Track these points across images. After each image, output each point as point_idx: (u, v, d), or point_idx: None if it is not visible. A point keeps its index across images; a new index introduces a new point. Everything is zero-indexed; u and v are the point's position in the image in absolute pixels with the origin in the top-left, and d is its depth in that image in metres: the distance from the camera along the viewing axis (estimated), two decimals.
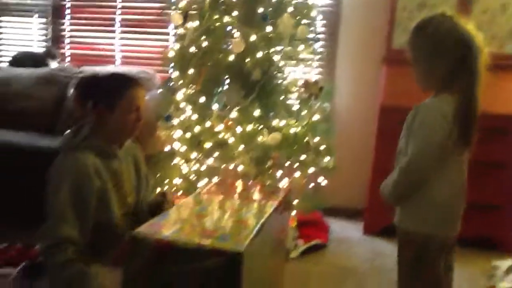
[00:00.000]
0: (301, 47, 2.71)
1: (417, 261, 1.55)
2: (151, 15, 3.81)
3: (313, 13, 2.80)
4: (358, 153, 3.32)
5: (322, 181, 2.72)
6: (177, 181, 2.68)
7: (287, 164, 2.59)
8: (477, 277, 2.55)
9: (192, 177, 2.66)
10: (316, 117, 2.64)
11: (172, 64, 2.81)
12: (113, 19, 3.90)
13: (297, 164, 2.60)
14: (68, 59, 4.02)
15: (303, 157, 2.59)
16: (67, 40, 4.02)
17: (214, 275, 1.39)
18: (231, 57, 2.57)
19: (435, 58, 1.51)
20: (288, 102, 2.73)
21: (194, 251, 1.40)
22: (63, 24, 4.00)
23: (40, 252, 1.77)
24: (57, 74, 3.57)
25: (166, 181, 2.66)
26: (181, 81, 2.73)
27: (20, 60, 3.79)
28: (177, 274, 1.43)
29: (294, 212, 2.71)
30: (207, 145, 2.57)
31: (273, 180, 2.48)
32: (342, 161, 2.76)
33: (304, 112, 2.65)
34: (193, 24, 2.68)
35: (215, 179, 2.29)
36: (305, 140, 2.56)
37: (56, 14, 3.99)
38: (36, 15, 4.06)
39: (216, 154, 2.57)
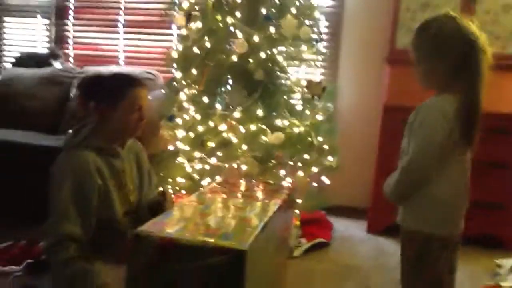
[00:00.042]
0: (304, 47, 2.72)
1: (418, 259, 1.55)
2: (154, 16, 3.82)
3: (316, 14, 2.80)
4: (361, 152, 3.32)
5: (326, 180, 2.72)
6: (181, 180, 2.69)
7: (290, 163, 2.59)
8: (480, 275, 2.55)
9: (196, 176, 2.67)
10: (319, 117, 2.64)
11: (175, 65, 2.82)
12: (117, 20, 3.92)
13: (300, 164, 2.60)
14: (71, 59, 4.03)
15: (306, 156, 2.60)
16: (70, 41, 4.03)
17: (217, 273, 1.39)
18: (234, 58, 2.58)
19: (437, 58, 1.51)
20: (291, 102, 2.74)
21: (198, 249, 1.40)
22: (66, 24, 4.02)
23: (43, 249, 1.78)
24: (60, 74, 3.59)
25: (170, 180, 2.67)
26: (184, 81, 2.74)
27: (24, 60, 3.81)
28: (180, 272, 1.43)
29: (297, 211, 2.72)
30: (211, 144, 2.58)
31: (277, 179, 2.49)
32: (346, 160, 2.77)
33: (307, 112, 2.65)
34: (196, 24, 2.69)
35: (219, 178, 2.30)
36: (308, 140, 2.57)
37: (59, 14, 4.01)
38: (40, 16, 4.07)
39: (220, 153, 2.58)
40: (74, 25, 4.02)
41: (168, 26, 3.77)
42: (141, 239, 1.46)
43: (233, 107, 2.58)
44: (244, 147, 2.51)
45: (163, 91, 3.11)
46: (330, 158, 2.67)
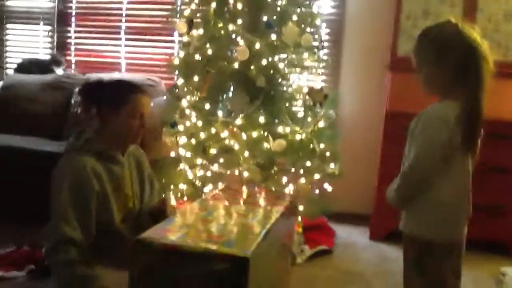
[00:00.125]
0: (306, 54, 2.73)
1: (420, 264, 1.54)
2: (156, 23, 3.83)
3: (318, 22, 2.81)
4: (364, 159, 3.32)
5: (328, 187, 2.72)
6: (183, 186, 2.69)
7: (292, 170, 2.59)
8: (484, 281, 2.55)
9: (197, 183, 2.67)
10: (321, 124, 2.65)
11: (177, 71, 2.83)
12: (119, 27, 3.93)
13: (302, 171, 2.60)
14: (73, 66, 4.04)
15: (308, 163, 2.60)
16: (72, 47, 4.05)
17: (220, 280, 1.39)
18: (236, 65, 2.59)
19: (438, 62, 1.51)
20: (293, 109, 2.74)
21: (201, 256, 1.40)
22: (68, 31, 4.03)
23: (44, 252, 1.78)
24: (63, 80, 3.60)
25: (172, 186, 2.67)
26: (186, 88, 2.75)
27: (26, 66, 3.82)
28: (183, 279, 1.43)
29: (299, 218, 2.71)
30: (212, 151, 2.58)
31: (279, 186, 2.49)
32: (348, 167, 2.77)
33: (309, 119, 2.66)
34: (197, 31, 2.70)
35: (221, 185, 2.30)
36: (310, 147, 2.57)
37: (61, 21, 4.02)
38: (42, 22, 4.09)
39: (221, 160, 2.58)
40: (76, 31, 4.03)
41: (170, 33, 3.79)
42: (144, 245, 1.46)
43: (235, 114, 2.59)
44: (246, 154, 2.51)
45: (165, 97, 3.11)
46: (332, 164, 2.67)
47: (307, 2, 2.79)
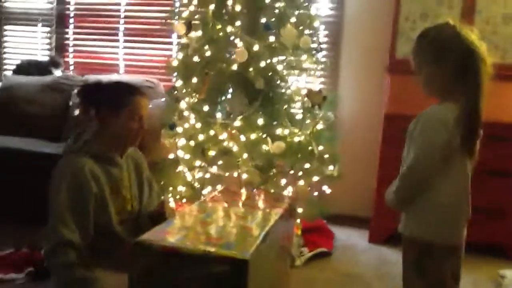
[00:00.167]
0: (304, 56, 2.73)
1: (420, 266, 1.54)
2: (155, 24, 3.83)
3: (316, 23, 2.81)
4: (363, 161, 3.32)
5: (327, 189, 2.72)
6: (181, 188, 2.69)
7: (291, 172, 2.59)
8: (483, 283, 2.55)
9: (196, 185, 2.67)
10: (320, 126, 2.65)
11: (176, 73, 2.83)
12: (117, 28, 3.93)
13: (301, 173, 2.60)
14: (72, 67, 4.04)
15: (307, 165, 2.60)
16: (71, 49, 4.04)
17: (219, 282, 1.39)
18: (235, 66, 2.59)
19: (436, 64, 1.52)
20: (292, 111, 2.74)
21: (200, 258, 1.40)
22: (67, 33, 4.03)
23: (43, 254, 1.78)
24: (61, 82, 3.60)
25: (170, 188, 2.66)
26: (184, 90, 2.75)
27: (24, 68, 3.82)
28: (182, 281, 1.42)
29: (298, 220, 2.71)
30: (211, 153, 2.58)
31: (278, 188, 2.49)
32: (347, 169, 2.76)
33: (307, 121, 2.66)
34: (196, 33, 2.70)
35: (219, 187, 2.30)
36: (309, 149, 2.57)
37: (60, 23, 4.02)
38: (40, 24, 4.08)
39: (220, 162, 2.58)
40: (74, 33, 4.03)
41: (168, 34, 3.79)
42: (143, 247, 1.46)
43: (233, 115, 2.59)
44: (245, 156, 2.51)
45: (163, 99, 3.11)
46: (331, 167, 2.67)
47: (306, 4, 2.79)
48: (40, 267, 2.23)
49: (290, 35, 2.57)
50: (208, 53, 2.64)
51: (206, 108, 2.66)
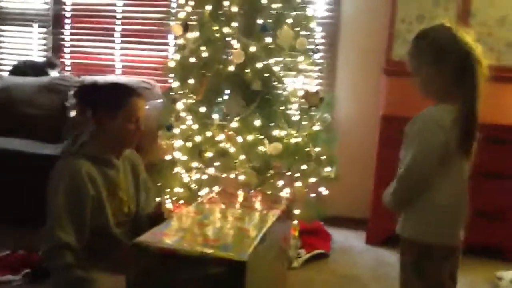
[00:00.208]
0: (301, 58, 2.73)
1: (418, 268, 1.55)
2: (151, 25, 3.83)
3: (313, 25, 2.82)
4: (360, 162, 3.32)
5: (324, 190, 2.72)
6: (178, 190, 2.68)
7: (288, 174, 2.60)
8: (480, 286, 2.56)
9: (193, 186, 2.67)
10: (316, 127, 2.65)
11: (172, 74, 2.83)
12: (113, 29, 3.92)
13: (298, 174, 2.61)
14: (68, 68, 4.03)
15: (304, 167, 2.60)
16: (67, 50, 4.03)
17: (216, 284, 1.39)
18: (231, 68, 2.59)
19: (436, 68, 1.52)
20: (289, 112, 2.75)
21: (198, 260, 1.40)
22: (63, 33, 4.02)
23: (42, 256, 1.78)
24: (58, 83, 3.59)
25: (167, 190, 2.66)
26: (181, 91, 2.75)
27: (21, 69, 3.81)
28: (179, 283, 1.43)
29: (296, 222, 2.71)
30: (208, 154, 2.58)
31: (275, 190, 2.49)
32: (344, 170, 2.77)
33: (304, 122, 2.66)
34: (193, 34, 2.70)
35: (216, 189, 2.30)
36: (306, 150, 2.57)
37: (56, 23, 4.01)
38: (36, 25, 4.07)
39: (217, 163, 2.58)
40: (71, 34, 4.02)
41: (165, 35, 3.78)
42: (140, 249, 1.46)
43: (230, 117, 2.59)
44: (242, 157, 2.51)
45: (160, 100, 3.11)
46: (328, 168, 2.67)
47: (302, 5, 2.79)
48: (37, 269, 2.22)
49: (286, 36, 2.57)
50: (205, 54, 2.64)
51: (203, 109, 2.66)
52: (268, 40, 2.61)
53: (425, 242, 1.53)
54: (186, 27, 2.70)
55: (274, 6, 2.68)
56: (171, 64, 2.80)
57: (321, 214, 2.73)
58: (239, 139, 2.51)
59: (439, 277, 1.55)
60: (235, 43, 2.58)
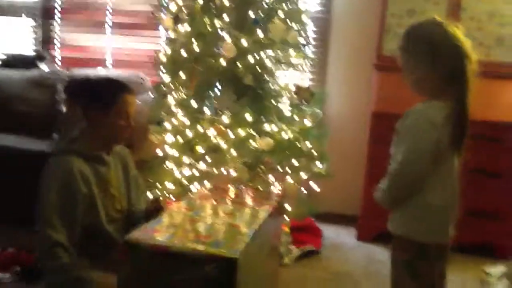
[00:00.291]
0: (292, 52, 2.72)
1: (413, 267, 1.56)
2: (142, 18, 3.80)
3: (304, 18, 2.81)
4: (351, 158, 3.33)
5: (315, 186, 2.73)
6: (169, 185, 2.68)
7: (279, 169, 2.60)
8: (470, 283, 2.58)
9: (184, 181, 2.66)
10: (307, 122, 2.65)
11: (163, 68, 2.81)
12: (104, 22, 3.88)
13: (289, 170, 2.61)
14: (58, 61, 3.99)
15: (295, 162, 2.60)
16: (57, 43, 3.99)
17: (208, 281, 1.39)
18: (223, 62, 2.58)
19: (430, 66, 1.52)
20: (280, 107, 2.74)
21: (189, 257, 1.40)
22: (53, 26, 3.97)
23: (37, 257, 1.77)
24: (48, 77, 3.55)
25: (158, 185, 2.65)
26: (172, 85, 2.73)
27: (9, 62, 3.76)
28: (171, 280, 1.43)
29: (287, 218, 2.72)
30: (199, 149, 2.57)
31: (266, 186, 2.49)
32: (335, 166, 2.77)
33: (295, 118, 2.66)
34: (184, 27, 2.68)
35: (208, 184, 2.30)
36: (297, 146, 2.57)
37: (46, 15, 3.96)
38: (25, 16, 4.02)
39: (209, 159, 2.58)
40: (61, 26, 3.98)
41: (156, 28, 3.75)
42: (132, 246, 1.46)
43: (221, 111, 2.58)
44: (233, 152, 2.51)
45: (151, 94, 3.09)
46: (319, 164, 2.68)
47: None
48: (27, 266, 2.21)
49: (278, 30, 2.56)
50: (196, 48, 2.62)
51: (194, 103, 2.65)
52: (260, 33, 2.59)
53: (418, 241, 1.54)
54: (177, 20, 2.67)
55: None
56: (162, 57, 2.78)
57: (312, 211, 2.74)
58: (231, 134, 2.51)
59: (431, 277, 1.57)
60: (227, 37, 2.57)
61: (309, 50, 2.92)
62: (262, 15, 2.65)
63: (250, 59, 2.56)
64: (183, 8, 2.72)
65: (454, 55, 1.49)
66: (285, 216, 2.61)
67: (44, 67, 3.74)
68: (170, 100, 2.69)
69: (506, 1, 2.98)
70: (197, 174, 2.62)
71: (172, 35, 2.75)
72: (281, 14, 2.64)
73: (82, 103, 1.89)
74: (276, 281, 2.17)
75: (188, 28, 2.67)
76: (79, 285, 1.70)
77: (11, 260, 2.33)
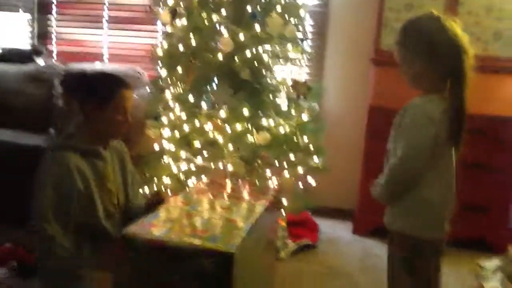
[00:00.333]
0: (290, 46, 2.72)
1: (410, 261, 1.56)
2: (139, 12, 3.78)
3: (302, 13, 2.80)
4: (348, 153, 3.34)
5: (312, 181, 2.73)
6: (166, 180, 2.68)
7: (276, 163, 2.60)
8: (464, 276, 2.60)
9: (181, 176, 2.66)
10: (305, 117, 2.65)
11: (160, 62, 2.80)
12: (101, 16, 3.87)
13: (286, 164, 2.61)
14: (54, 56, 3.97)
15: (292, 157, 2.60)
16: (53, 37, 3.97)
17: (205, 275, 1.39)
18: (220, 56, 2.57)
19: (425, 60, 1.52)
20: (277, 101, 2.74)
21: (185, 251, 1.40)
22: (49, 20, 3.95)
23: (37, 255, 1.77)
24: (44, 71, 3.54)
25: (155, 180, 2.65)
26: (169, 80, 2.72)
27: (6, 56, 3.75)
28: (167, 274, 1.43)
29: (283, 212, 2.72)
30: (196, 144, 2.57)
31: (263, 180, 2.49)
32: (332, 161, 2.77)
33: (292, 112, 2.66)
34: (181, 22, 2.67)
35: (205, 179, 2.29)
36: (294, 140, 2.57)
37: (42, 10, 3.94)
38: (22, 10, 4.00)
39: (206, 153, 2.57)
40: (57, 20, 3.96)
41: (153, 23, 3.74)
42: (128, 241, 1.46)
43: (219, 106, 2.57)
44: (230, 147, 2.51)
45: (148, 89, 3.08)
46: (316, 158, 2.68)
47: None
48: (23, 262, 2.22)
49: (275, 24, 2.55)
50: (193, 42, 2.61)
51: (191, 98, 2.64)
52: (257, 28, 2.58)
53: (415, 236, 1.54)
54: (174, 15, 2.66)
55: None
56: (159, 52, 2.77)
57: (309, 205, 2.74)
58: (228, 128, 2.51)
59: (427, 272, 1.57)
60: (224, 31, 2.56)
61: (307, 44, 2.90)
62: (260, 9, 2.64)
63: (248, 53, 2.55)
64: (180, 2, 2.71)
65: (451, 49, 1.49)
66: (281, 210, 2.61)
67: (40, 61, 3.73)
68: (167, 94, 2.68)
69: None
70: (194, 168, 2.62)
71: (169, 29, 2.74)
72: (278, 8, 2.63)
73: (79, 98, 1.88)
74: (273, 275, 2.18)
75: (185, 22, 2.66)
76: (75, 280, 1.69)
77: (8, 255, 2.33)
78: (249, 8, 2.63)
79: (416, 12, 2.93)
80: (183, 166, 2.65)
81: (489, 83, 2.86)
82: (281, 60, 2.76)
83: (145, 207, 1.99)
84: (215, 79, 2.71)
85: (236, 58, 2.55)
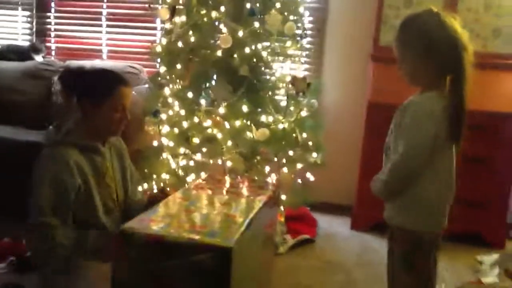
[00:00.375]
0: (289, 43, 2.72)
1: (410, 256, 1.56)
2: (138, 9, 3.78)
3: (301, 9, 2.80)
4: (346, 149, 3.34)
5: (310, 177, 2.74)
6: (165, 176, 2.68)
7: (275, 159, 2.60)
8: (462, 271, 2.60)
9: (180, 172, 2.66)
10: (303, 113, 2.65)
11: (159, 59, 2.80)
12: (100, 13, 3.86)
13: (285, 160, 2.61)
14: (53, 53, 3.97)
15: (291, 153, 2.61)
16: (52, 34, 3.97)
17: (203, 270, 1.39)
18: (219, 53, 2.57)
19: (425, 57, 1.51)
20: (276, 98, 2.74)
21: (184, 246, 1.40)
22: (48, 17, 3.95)
23: (32, 253, 1.77)
24: (42, 68, 3.54)
25: (154, 176, 2.65)
26: (168, 76, 2.72)
27: (4, 53, 3.75)
28: (166, 269, 1.43)
29: (282, 207, 2.73)
30: (195, 140, 2.57)
31: (261, 176, 2.49)
32: (330, 157, 2.78)
33: (291, 108, 2.66)
34: (180, 18, 2.67)
35: (203, 175, 2.30)
36: (293, 136, 2.57)
37: (41, 7, 3.94)
38: (20, 8, 4.00)
39: (204, 149, 2.58)
40: (55, 17, 3.95)
41: (152, 19, 3.74)
42: (127, 236, 1.46)
43: (218, 102, 2.57)
44: (229, 143, 2.51)
45: (147, 86, 3.08)
46: (314, 154, 2.68)
47: None
48: (22, 257, 2.22)
49: (275, 21, 2.55)
50: (192, 39, 2.61)
51: (190, 95, 2.64)
52: (256, 24, 2.58)
53: (413, 231, 1.54)
54: (173, 11, 2.66)
55: None
56: (158, 48, 2.77)
57: (307, 200, 2.75)
58: (227, 125, 2.51)
59: (427, 267, 1.58)
60: (223, 28, 2.56)
61: (306, 41, 2.90)
62: (259, 6, 2.64)
63: (247, 50, 2.55)
64: None
65: (450, 46, 1.49)
66: (280, 206, 2.62)
67: (39, 58, 3.73)
68: (166, 91, 2.68)
69: None
70: (193, 164, 2.62)
71: (168, 26, 2.73)
72: (277, 5, 2.63)
73: (77, 95, 1.88)
74: (271, 270, 2.18)
75: (184, 19, 2.66)
76: (74, 276, 1.70)
77: (7, 250, 2.34)
78: (248, 5, 2.63)
79: (415, 8, 2.95)
80: (182, 162, 2.65)
81: (488, 80, 2.85)
82: (280, 56, 2.76)
83: (147, 204, 1.98)
84: (214, 75, 2.71)
85: (235, 54, 2.55)
